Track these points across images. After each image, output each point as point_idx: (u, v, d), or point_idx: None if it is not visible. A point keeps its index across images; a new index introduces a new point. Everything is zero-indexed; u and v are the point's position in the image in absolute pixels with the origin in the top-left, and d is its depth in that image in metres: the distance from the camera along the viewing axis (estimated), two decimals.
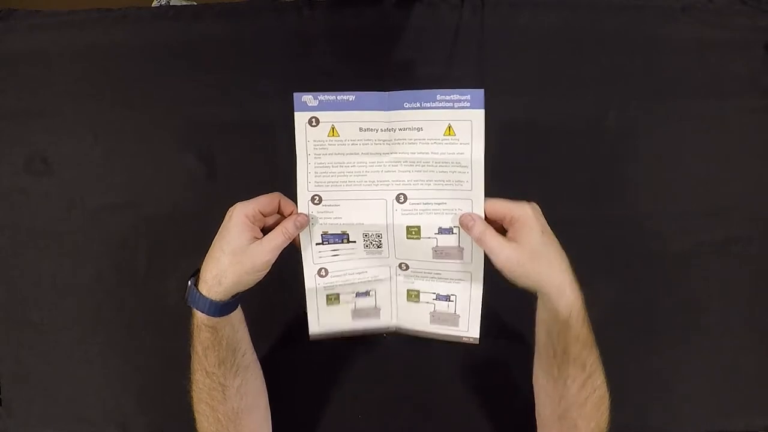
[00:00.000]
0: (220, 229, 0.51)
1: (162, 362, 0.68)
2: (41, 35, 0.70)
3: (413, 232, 0.54)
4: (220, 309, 0.51)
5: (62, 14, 0.70)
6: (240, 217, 0.50)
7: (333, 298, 0.57)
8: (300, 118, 0.52)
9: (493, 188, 0.67)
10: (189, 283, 0.52)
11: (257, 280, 0.51)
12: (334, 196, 0.54)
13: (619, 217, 0.68)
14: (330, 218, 0.54)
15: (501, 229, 0.52)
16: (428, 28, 0.69)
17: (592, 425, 0.52)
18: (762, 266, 0.69)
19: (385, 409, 0.68)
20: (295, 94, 0.52)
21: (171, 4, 1.12)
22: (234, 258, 0.49)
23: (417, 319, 0.58)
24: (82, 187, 0.69)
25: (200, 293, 0.50)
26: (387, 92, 0.50)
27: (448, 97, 0.50)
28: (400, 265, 0.56)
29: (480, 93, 0.49)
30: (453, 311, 0.56)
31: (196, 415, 0.55)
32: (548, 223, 0.53)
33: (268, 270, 0.51)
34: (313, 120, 0.52)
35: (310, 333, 0.58)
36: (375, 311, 0.58)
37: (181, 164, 0.69)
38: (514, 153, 0.68)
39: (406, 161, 0.52)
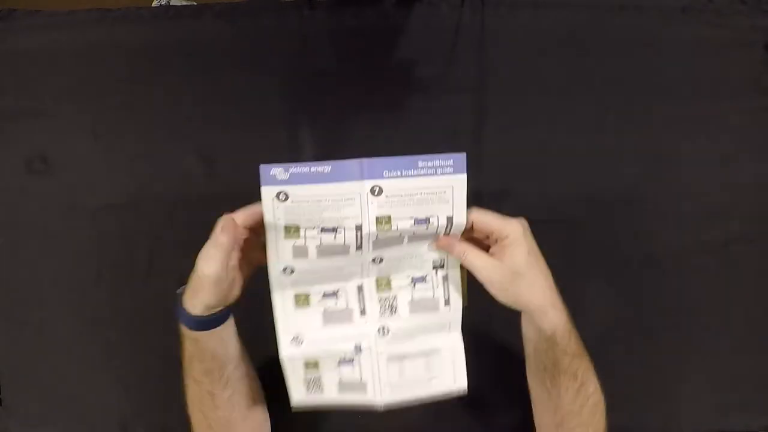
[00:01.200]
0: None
1: (162, 362, 0.68)
2: (41, 35, 0.70)
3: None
4: (200, 324, 0.49)
5: (62, 14, 0.70)
6: (220, 237, 0.47)
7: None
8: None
9: (494, 187, 0.67)
10: (177, 291, 0.51)
11: (225, 296, 0.48)
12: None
13: (620, 217, 0.68)
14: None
15: (485, 244, 0.50)
16: (428, 28, 0.69)
17: (590, 431, 0.52)
18: (762, 266, 0.69)
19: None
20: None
21: (171, 4, 1.12)
22: (199, 271, 0.47)
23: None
24: (82, 187, 0.69)
25: (183, 306, 0.49)
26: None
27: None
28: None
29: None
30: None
31: (191, 420, 0.55)
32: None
33: (226, 284, 0.47)
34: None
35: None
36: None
37: (181, 164, 0.69)
38: (514, 153, 0.68)
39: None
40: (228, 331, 0.52)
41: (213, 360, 0.51)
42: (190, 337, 0.50)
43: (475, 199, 0.66)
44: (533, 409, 0.56)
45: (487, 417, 0.67)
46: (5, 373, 0.69)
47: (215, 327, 0.50)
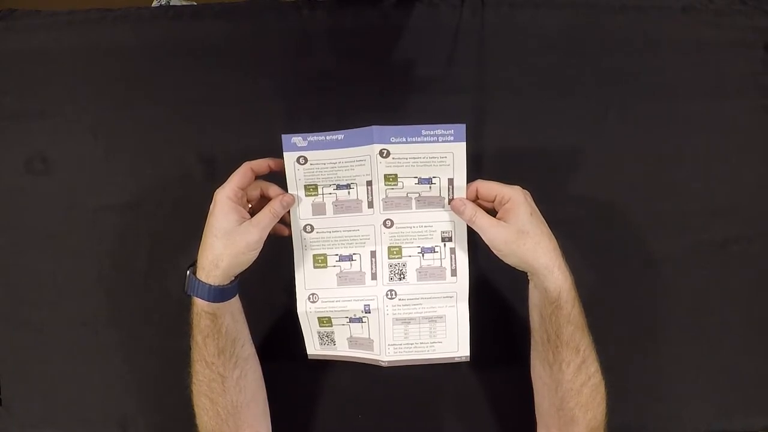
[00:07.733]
0: (207, 217, 0.53)
1: (162, 362, 0.68)
2: (41, 35, 0.70)
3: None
4: (221, 293, 0.52)
5: (62, 14, 0.70)
6: (223, 200, 0.52)
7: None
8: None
9: None
10: (188, 272, 0.53)
11: (252, 260, 0.53)
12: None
13: (619, 217, 0.68)
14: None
15: (492, 211, 0.54)
16: (428, 28, 0.69)
17: (589, 416, 0.52)
18: (762, 266, 0.69)
19: (385, 409, 0.68)
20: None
21: (171, 4, 1.13)
22: (227, 239, 0.51)
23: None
24: (82, 187, 0.69)
25: (199, 280, 0.52)
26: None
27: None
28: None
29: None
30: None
31: (196, 410, 0.56)
32: (548, 223, 0.54)
33: (260, 249, 0.52)
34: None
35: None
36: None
37: (181, 164, 0.69)
38: (514, 153, 0.68)
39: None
40: (238, 304, 0.56)
41: (227, 336, 0.53)
42: (209, 313, 0.52)
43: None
44: (535, 394, 0.57)
45: (488, 411, 0.67)
46: (5, 373, 0.69)
47: (233, 296, 0.54)
